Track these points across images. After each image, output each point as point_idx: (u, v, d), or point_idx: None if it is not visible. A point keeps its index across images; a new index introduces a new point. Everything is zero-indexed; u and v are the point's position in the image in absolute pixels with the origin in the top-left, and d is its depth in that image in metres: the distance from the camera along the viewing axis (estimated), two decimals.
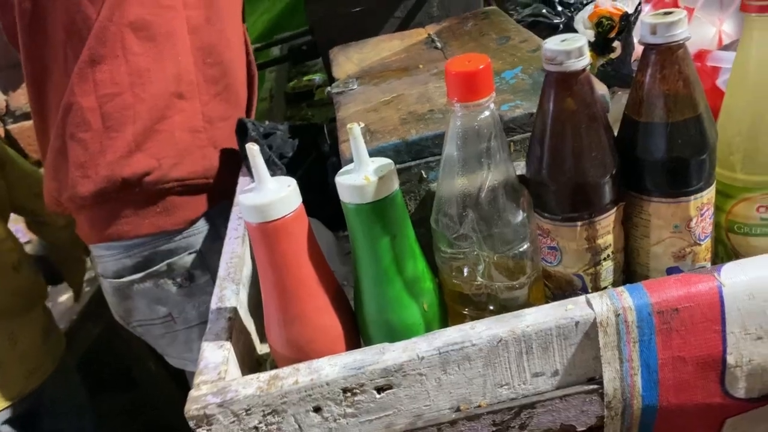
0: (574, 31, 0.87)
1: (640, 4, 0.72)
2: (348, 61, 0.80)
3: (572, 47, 0.42)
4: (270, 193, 0.47)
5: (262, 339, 0.60)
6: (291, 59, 1.20)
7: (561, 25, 1.03)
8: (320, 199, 0.62)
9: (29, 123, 1.68)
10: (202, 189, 0.87)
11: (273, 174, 0.83)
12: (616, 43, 0.77)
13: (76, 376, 1.26)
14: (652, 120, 0.44)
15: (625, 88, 0.73)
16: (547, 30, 1.06)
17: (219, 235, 0.85)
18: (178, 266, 0.89)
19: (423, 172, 0.54)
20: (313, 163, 0.82)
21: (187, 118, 0.85)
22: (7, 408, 1.12)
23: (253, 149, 0.47)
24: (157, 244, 0.88)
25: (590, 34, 0.80)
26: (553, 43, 0.43)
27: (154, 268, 0.89)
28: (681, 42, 0.42)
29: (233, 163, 0.86)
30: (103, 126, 0.80)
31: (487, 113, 0.43)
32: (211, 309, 0.56)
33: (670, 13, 0.43)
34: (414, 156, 0.54)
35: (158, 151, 0.83)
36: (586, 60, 0.43)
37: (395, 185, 0.47)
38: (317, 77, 1.41)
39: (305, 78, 1.39)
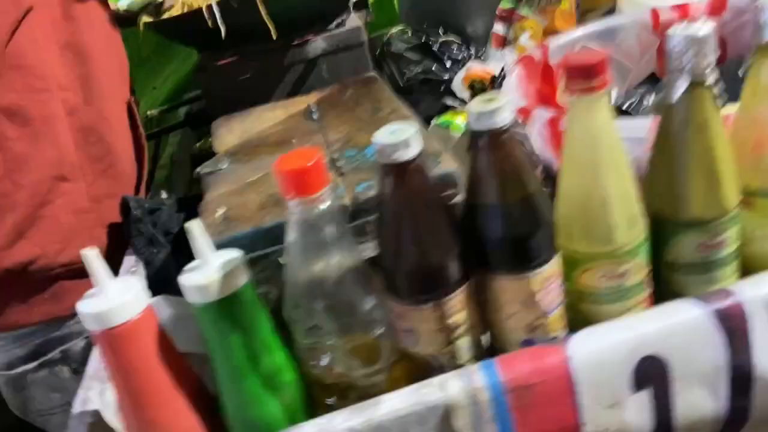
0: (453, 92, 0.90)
1: (503, 69, 0.74)
2: (229, 133, 0.80)
3: (399, 139, 0.43)
4: (112, 298, 0.45)
5: None
6: (189, 124, 1.19)
7: (451, 81, 1.06)
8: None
9: None
10: None
11: (158, 252, 0.81)
12: None
13: None
14: (484, 201, 0.45)
15: None
16: (438, 85, 1.09)
17: None
18: (72, 352, 0.86)
19: (280, 259, 0.53)
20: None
21: (72, 200, 0.82)
22: None
23: (88, 255, 0.45)
24: (49, 331, 0.85)
25: (467, 95, 0.83)
26: (382, 136, 0.43)
27: (48, 356, 0.86)
28: (504, 127, 0.44)
29: (124, 240, 0.84)
30: None
31: (323, 206, 0.44)
32: (72, 411, 0.54)
33: (492, 99, 0.44)
34: (271, 243, 0.53)
35: (42, 237, 0.80)
36: (415, 150, 0.43)
37: (243, 279, 0.46)
38: None
39: (208, 139, 1.37)
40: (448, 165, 0.54)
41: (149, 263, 0.79)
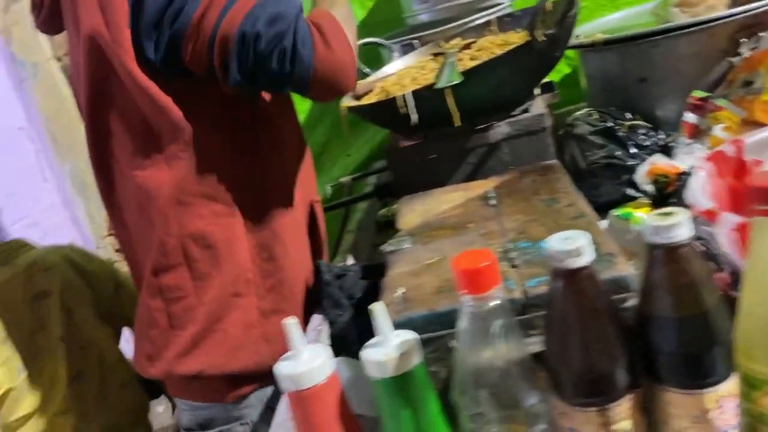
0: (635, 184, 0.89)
1: (692, 167, 0.73)
2: (411, 212, 0.86)
3: (572, 247, 0.45)
4: (304, 362, 0.52)
5: None
6: (377, 194, 1.29)
7: (635, 168, 1.04)
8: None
9: None
10: (255, 376, 0.93)
11: (341, 314, 0.89)
12: (673, 200, 0.77)
13: None
14: (659, 314, 0.46)
15: None
16: (622, 171, 1.08)
17: (271, 409, 0.89)
18: None
19: (451, 343, 0.57)
20: (371, 294, 0.87)
21: (243, 314, 0.91)
22: None
23: (289, 321, 0.52)
24: (215, 410, 0.96)
25: (651, 188, 0.81)
26: (555, 242, 0.46)
27: (213, 430, 0.97)
28: (683, 242, 0.44)
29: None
30: (168, 325, 0.89)
31: (494, 303, 0.47)
32: None
33: (670, 214, 0.45)
34: (443, 326, 0.57)
35: (212, 349, 0.90)
36: (586, 258, 0.45)
37: (416, 359, 0.50)
38: None
39: (393, 206, 1.47)
40: (623, 268, 0.55)
41: (333, 323, 0.87)
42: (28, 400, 1.13)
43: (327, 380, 0.52)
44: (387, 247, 0.73)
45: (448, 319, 0.57)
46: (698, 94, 1.02)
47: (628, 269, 0.55)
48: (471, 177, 1.00)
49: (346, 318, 0.87)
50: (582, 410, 0.48)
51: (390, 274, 0.68)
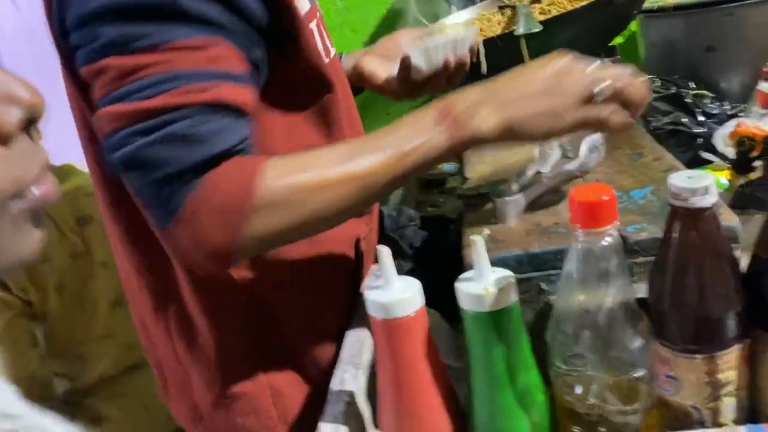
0: (712, 146, 0.86)
1: None
2: (481, 162, 0.84)
3: (698, 185, 0.43)
4: (396, 292, 0.51)
5: (375, 424, 0.63)
6: None
7: (701, 137, 1.02)
8: (442, 292, 0.65)
9: None
10: None
11: (403, 264, 0.88)
12: (757, 163, 0.75)
13: None
14: None
15: (764, 211, 0.71)
16: (687, 139, 1.05)
17: None
18: None
19: (542, 284, 0.56)
20: (439, 255, 0.86)
21: None
22: None
23: (383, 251, 0.51)
24: None
25: (730, 152, 0.79)
26: (679, 179, 0.44)
27: None
28: None
29: None
30: None
31: (608, 240, 0.45)
32: (330, 390, 0.60)
33: None
34: (535, 268, 0.56)
35: None
36: (712, 198, 0.43)
37: (513, 297, 0.49)
38: (449, 165, 1.47)
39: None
40: (729, 219, 0.53)
41: None
42: (68, 323, 1.14)
43: (418, 312, 0.51)
44: (465, 191, 0.71)
45: (540, 262, 0.56)
46: None
47: (734, 220, 0.53)
48: None
49: (407, 268, 0.86)
50: (688, 357, 0.46)
51: (471, 216, 0.66)
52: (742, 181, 0.75)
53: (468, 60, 0.82)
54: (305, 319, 0.73)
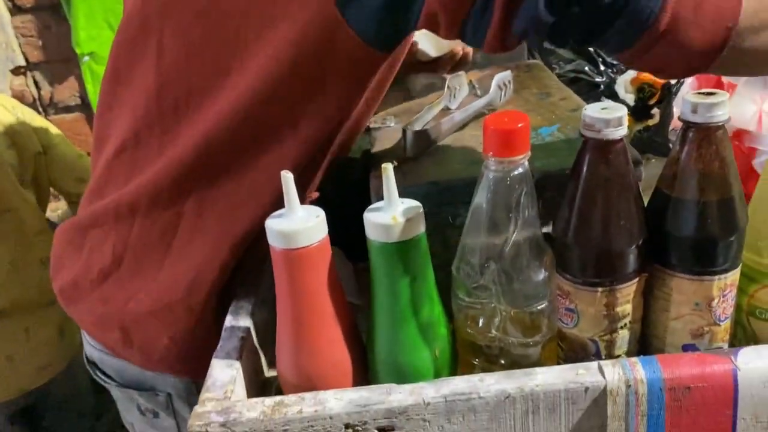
0: (614, 93, 0.88)
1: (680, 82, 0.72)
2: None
3: (612, 116, 0.42)
4: (298, 221, 0.48)
5: (271, 363, 0.61)
6: None
7: (602, 85, 1.04)
8: (344, 232, 0.63)
9: (70, 116, 1.73)
10: None
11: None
12: (655, 111, 0.77)
13: (86, 378, 1.27)
14: (683, 196, 0.45)
15: (659, 156, 0.74)
16: (587, 87, 1.07)
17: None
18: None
19: (450, 218, 0.54)
20: (341, 195, 0.83)
21: None
22: (11, 400, 1.13)
23: (286, 177, 0.48)
24: None
25: (630, 98, 0.81)
26: (593, 110, 0.43)
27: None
28: (720, 123, 0.43)
29: None
30: None
31: (520, 170, 0.44)
32: (225, 326, 0.57)
33: (712, 93, 0.43)
34: (442, 200, 0.54)
35: None
36: (623, 130, 0.43)
37: (421, 228, 0.47)
38: None
39: None
40: (633, 154, 0.54)
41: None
42: None
43: (321, 242, 0.48)
44: (371, 124, 0.68)
45: (448, 194, 0.54)
46: None
47: (637, 155, 0.54)
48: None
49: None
50: (588, 289, 0.47)
51: (377, 148, 0.63)
52: (639, 127, 0.77)
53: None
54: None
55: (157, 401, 0.74)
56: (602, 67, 1.07)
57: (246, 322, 0.57)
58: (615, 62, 1.09)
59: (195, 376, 0.70)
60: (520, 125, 0.43)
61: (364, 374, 0.53)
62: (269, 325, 0.62)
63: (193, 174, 0.62)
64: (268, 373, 0.60)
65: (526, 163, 0.44)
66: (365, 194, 0.70)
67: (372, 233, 0.47)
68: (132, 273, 0.68)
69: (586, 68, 1.07)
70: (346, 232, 0.62)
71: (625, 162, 0.44)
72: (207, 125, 0.60)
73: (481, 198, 0.46)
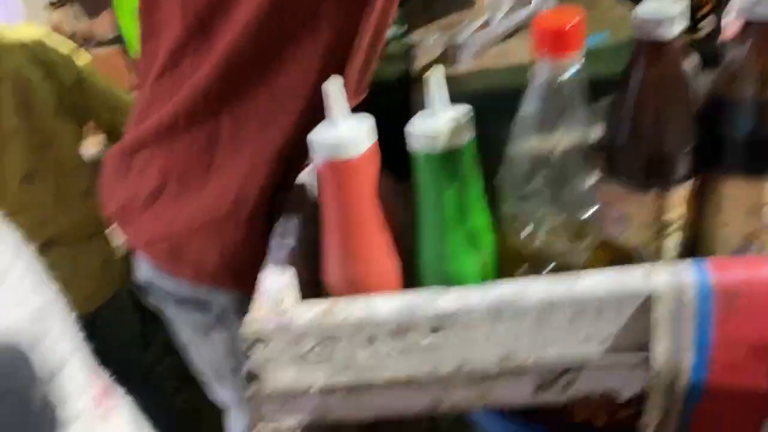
0: None
1: None
2: (425, 13, 0.80)
3: (667, 15, 0.41)
4: (343, 131, 0.48)
5: (317, 274, 0.62)
6: None
7: None
8: (385, 155, 0.63)
9: (107, 49, 1.73)
10: None
11: None
12: (703, 23, 0.74)
13: (131, 308, 1.31)
14: (740, 95, 0.43)
15: (709, 68, 0.71)
16: None
17: None
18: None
19: (494, 127, 0.54)
20: (380, 119, 0.83)
21: None
22: None
23: (331, 86, 0.47)
24: None
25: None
26: (647, 9, 0.42)
27: None
28: None
29: None
30: None
31: (573, 70, 0.43)
32: (272, 238, 0.58)
33: None
34: (487, 110, 0.53)
35: None
36: (680, 27, 0.42)
37: (469, 135, 0.47)
38: (389, 30, 1.41)
39: None
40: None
41: None
42: None
43: (369, 151, 0.48)
44: (412, 41, 0.67)
45: (491, 103, 0.54)
46: None
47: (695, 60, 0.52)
48: None
49: None
50: (639, 194, 0.46)
51: (420, 64, 0.63)
52: (688, 38, 0.74)
53: None
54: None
55: (212, 316, 0.77)
56: None
57: (293, 234, 0.59)
58: None
59: (247, 290, 0.73)
60: (574, 21, 0.41)
61: (410, 283, 0.54)
62: (314, 239, 0.63)
63: (224, 89, 0.64)
64: (314, 284, 0.62)
65: (579, 63, 0.43)
66: (405, 118, 0.70)
67: (416, 144, 0.47)
68: (178, 191, 0.70)
69: None
70: (385, 157, 0.62)
71: (681, 62, 0.43)
72: (232, 37, 0.61)
73: (530, 103, 0.45)
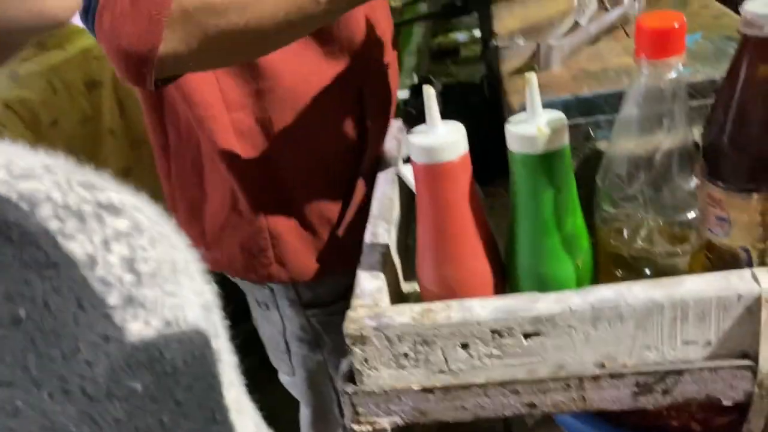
0: None
1: None
2: (511, 16, 0.80)
3: None
4: (441, 136, 0.49)
5: (406, 278, 0.63)
6: (442, 14, 1.21)
7: None
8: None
9: None
10: None
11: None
12: None
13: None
14: None
15: None
16: None
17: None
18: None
19: (591, 130, 0.54)
20: (465, 117, 0.83)
21: None
22: None
23: (429, 92, 0.49)
24: None
25: None
26: (756, 5, 0.41)
27: None
28: None
29: None
30: None
31: (674, 74, 0.43)
32: (365, 243, 0.60)
33: None
34: (583, 113, 0.54)
35: None
36: None
37: (566, 139, 0.47)
38: (461, 34, 1.41)
39: (450, 35, 1.39)
40: None
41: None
42: None
43: (462, 157, 0.49)
44: (499, 42, 0.67)
45: (589, 106, 0.54)
46: None
47: None
48: None
49: None
50: (743, 197, 0.45)
51: (509, 66, 0.63)
52: None
53: None
54: (308, 175, 0.78)
55: (265, 294, 0.84)
56: None
57: (384, 238, 0.60)
58: None
59: (282, 279, 0.81)
60: (676, 24, 0.41)
61: (503, 286, 0.54)
62: (400, 244, 0.64)
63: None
64: (405, 288, 0.63)
65: (681, 65, 0.43)
66: (489, 117, 0.71)
67: (515, 145, 0.48)
68: (186, 207, 0.81)
69: None
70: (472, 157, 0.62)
71: None
72: None
73: (631, 105, 0.45)
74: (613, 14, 0.66)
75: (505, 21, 0.79)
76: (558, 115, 0.48)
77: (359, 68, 0.76)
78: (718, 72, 0.52)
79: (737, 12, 0.85)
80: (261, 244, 0.79)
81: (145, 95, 0.77)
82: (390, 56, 0.83)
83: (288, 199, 0.78)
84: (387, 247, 0.59)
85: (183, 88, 0.70)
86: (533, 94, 0.47)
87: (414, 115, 0.86)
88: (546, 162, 0.47)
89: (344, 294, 0.57)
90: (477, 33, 1.34)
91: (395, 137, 0.83)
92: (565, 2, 0.80)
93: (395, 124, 0.84)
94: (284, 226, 0.79)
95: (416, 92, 0.90)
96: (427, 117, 0.49)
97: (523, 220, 0.50)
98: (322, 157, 0.79)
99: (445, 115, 0.87)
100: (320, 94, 0.75)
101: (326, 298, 0.84)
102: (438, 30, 1.48)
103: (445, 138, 0.49)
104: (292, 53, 0.69)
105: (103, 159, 1.12)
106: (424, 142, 0.49)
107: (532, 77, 0.46)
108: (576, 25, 0.69)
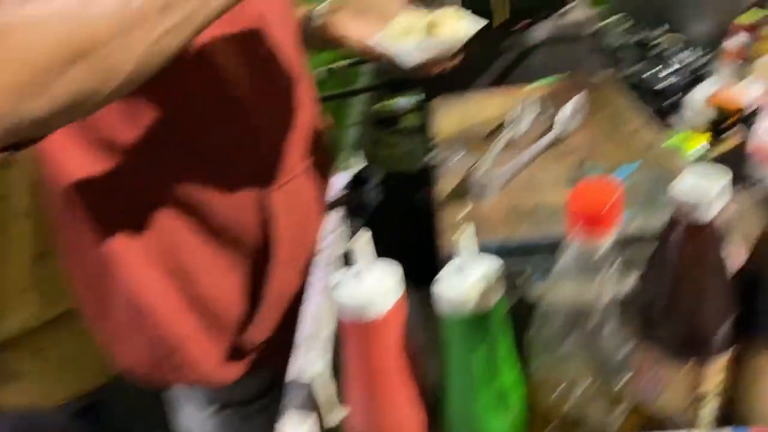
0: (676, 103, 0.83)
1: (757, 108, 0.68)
2: (448, 117, 0.79)
3: (705, 197, 0.40)
4: (370, 287, 0.46)
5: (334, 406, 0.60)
6: (385, 87, 1.20)
7: (665, 91, 0.99)
8: (403, 251, 0.61)
9: None
10: None
11: (355, 224, 0.82)
12: (725, 135, 0.73)
13: None
14: None
15: (739, 184, 0.70)
16: (647, 94, 1.01)
17: None
18: None
19: (526, 276, 0.53)
20: (401, 213, 0.81)
21: None
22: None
23: (361, 238, 0.46)
24: None
25: (704, 119, 0.76)
26: (683, 189, 0.40)
27: None
28: None
29: None
30: None
31: (608, 245, 0.42)
32: (290, 373, 0.56)
33: None
34: (515, 258, 0.52)
35: None
36: (717, 208, 0.40)
37: (499, 293, 0.46)
38: (404, 100, 1.38)
39: (391, 102, 1.37)
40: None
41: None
42: None
43: (393, 308, 0.47)
44: (433, 159, 0.66)
45: (522, 252, 0.52)
46: (748, 18, 0.95)
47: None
48: (501, 82, 0.93)
49: (358, 228, 0.81)
50: (675, 365, 0.45)
51: (442, 187, 0.62)
52: (714, 149, 0.73)
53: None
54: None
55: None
56: (664, 73, 1.01)
57: (311, 373, 0.57)
58: (677, 67, 1.02)
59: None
60: (609, 204, 0.40)
61: None
62: (334, 364, 0.61)
63: None
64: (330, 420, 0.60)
65: (614, 234, 0.42)
66: (425, 210, 0.68)
67: (444, 306, 0.45)
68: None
69: (648, 73, 1.00)
70: (406, 253, 0.60)
71: (720, 242, 0.42)
72: None
73: (563, 266, 0.44)
74: (551, 135, 0.66)
75: (444, 122, 0.78)
76: (492, 266, 0.45)
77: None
78: (651, 222, 0.51)
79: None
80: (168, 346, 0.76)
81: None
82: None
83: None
84: (316, 378, 0.56)
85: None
86: (465, 252, 0.45)
87: (353, 206, 0.83)
88: (477, 322, 0.45)
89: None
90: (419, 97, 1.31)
91: (334, 231, 0.79)
92: (503, 102, 0.79)
93: (333, 217, 0.80)
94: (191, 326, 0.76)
95: (357, 182, 0.87)
96: (357, 265, 0.47)
97: (454, 376, 0.48)
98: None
99: (386, 204, 0.85)
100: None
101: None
102: (381, 97, 1.46)
103: (373, 290, 0.46)
104: None
105: (15, 241, 1.05)
106: (349, 298, 0.46)
107: (468, 230, 0.44)
108: (515, 139, 0.68)
